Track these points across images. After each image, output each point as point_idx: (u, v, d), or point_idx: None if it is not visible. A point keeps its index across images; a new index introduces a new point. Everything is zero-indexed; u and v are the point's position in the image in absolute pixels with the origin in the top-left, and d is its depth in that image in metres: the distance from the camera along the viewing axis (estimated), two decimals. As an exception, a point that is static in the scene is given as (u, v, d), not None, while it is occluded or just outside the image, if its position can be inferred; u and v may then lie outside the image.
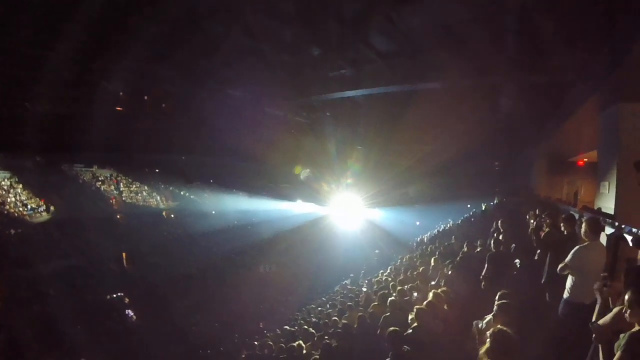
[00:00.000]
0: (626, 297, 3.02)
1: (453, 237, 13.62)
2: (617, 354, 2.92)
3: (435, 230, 22.20)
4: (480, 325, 5.05)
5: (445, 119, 15.62)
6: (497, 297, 5.01)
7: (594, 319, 3.82)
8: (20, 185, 32.65)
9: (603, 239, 5.87)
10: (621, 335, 2.97)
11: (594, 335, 3.43)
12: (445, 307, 5.83)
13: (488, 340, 3.57)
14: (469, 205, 22.53)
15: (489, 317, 5.00)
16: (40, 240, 27.89)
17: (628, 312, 3.00)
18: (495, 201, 19.27)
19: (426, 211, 28.14)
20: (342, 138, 20.18)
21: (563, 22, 7.54)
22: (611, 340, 3.27)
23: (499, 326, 3.83)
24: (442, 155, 19.84)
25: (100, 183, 40.99)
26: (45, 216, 31.87)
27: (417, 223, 30.03)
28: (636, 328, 2.92)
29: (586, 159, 16.29)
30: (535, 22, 8.23)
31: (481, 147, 19.16)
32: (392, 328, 5.49)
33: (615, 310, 3.65)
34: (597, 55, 7.70)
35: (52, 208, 32.72)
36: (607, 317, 3.64)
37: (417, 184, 25.17)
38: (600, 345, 3.35)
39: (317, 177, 25.86)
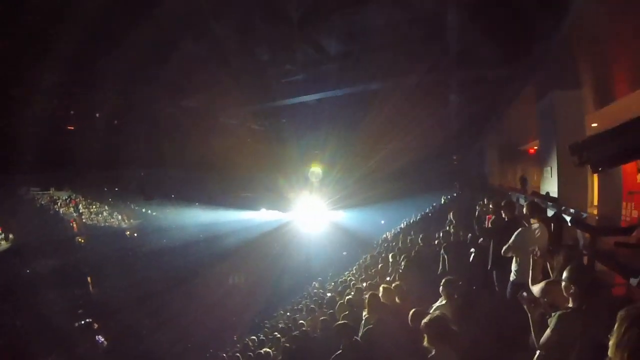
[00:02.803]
0: (564, 274, 3.13)
1: (412, 232, 13.86)
2: (547, 332, 3.04)
3: (399, 227, 22.51)
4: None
5: (402, 119, 15.80)
6: (441, 285, 5.14)
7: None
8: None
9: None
10: (552, 314, 3.09)
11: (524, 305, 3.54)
12: (396, 299, 5.92)
13: (424, 328, 3.68)
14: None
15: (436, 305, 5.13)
16: (1, 270, 26.80)
17: (564, 286, 3.11)
18: (454, 194, 19.67)
19: (390, 209, 28.49)
20: (300, 143, 20.09)
21: (491, 16, 7.78)
22: (541, 312, 3.43)
23: (433, 313, 3.96)
24: (402, 154, 20.06)
25: (58, 206, 39.74)
26: (4, 245, 30.67)
27: (382, 222, 30.35)
28: (565, 309, 3.04)
29: (536, 147, 16.82)
30: (466, 18, 8.47)
31: (440, 143, 19.51)
32: (340, 322, 5.56)
33: (542, 283, 3.82)
34: (527, 47, 8.02)
35: (10, 236, 31.46)
36: (536, 289, 3.82)
37: (380, 183, 25.34)
38: (531, 321, 3.46)
39: (278, 183, 25.70)
